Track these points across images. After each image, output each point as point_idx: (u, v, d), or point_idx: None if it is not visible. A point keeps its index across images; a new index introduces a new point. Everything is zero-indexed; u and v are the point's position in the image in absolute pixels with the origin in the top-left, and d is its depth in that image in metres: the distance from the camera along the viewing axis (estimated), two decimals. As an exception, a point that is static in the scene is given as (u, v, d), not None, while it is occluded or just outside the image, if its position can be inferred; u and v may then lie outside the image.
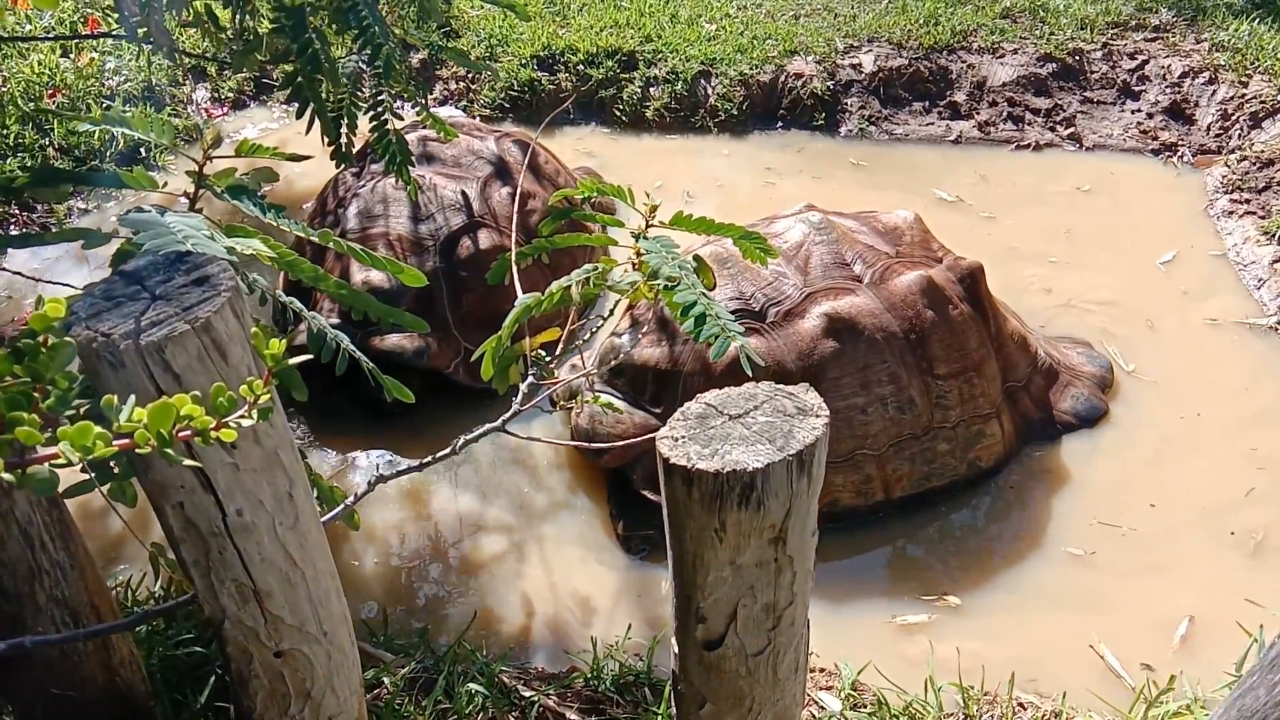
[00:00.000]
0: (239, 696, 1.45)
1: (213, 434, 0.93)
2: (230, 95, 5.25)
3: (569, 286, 1.93)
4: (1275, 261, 3.84)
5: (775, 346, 2.91)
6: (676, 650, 1.22)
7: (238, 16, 2.67)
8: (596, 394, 2.90)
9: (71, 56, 5.07)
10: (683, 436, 1.02)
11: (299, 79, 2.41)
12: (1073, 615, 2.63)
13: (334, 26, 2.42)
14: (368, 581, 2.82)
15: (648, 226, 2.04)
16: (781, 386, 1.09)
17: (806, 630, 1.22)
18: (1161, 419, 3.28)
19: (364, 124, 2.74)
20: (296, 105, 2.50)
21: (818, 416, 1.02)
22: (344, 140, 2.70)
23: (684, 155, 5.00)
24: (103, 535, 2.91)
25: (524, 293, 2.03)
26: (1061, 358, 3.43)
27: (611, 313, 2.14)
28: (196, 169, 1.83)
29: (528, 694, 2.31)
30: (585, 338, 2.07)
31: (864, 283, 3.04)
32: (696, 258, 1.87)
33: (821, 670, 2.50)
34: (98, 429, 0.85)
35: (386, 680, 2.25)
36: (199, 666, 2.19)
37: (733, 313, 2.97)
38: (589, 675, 2.36)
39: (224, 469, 1.18)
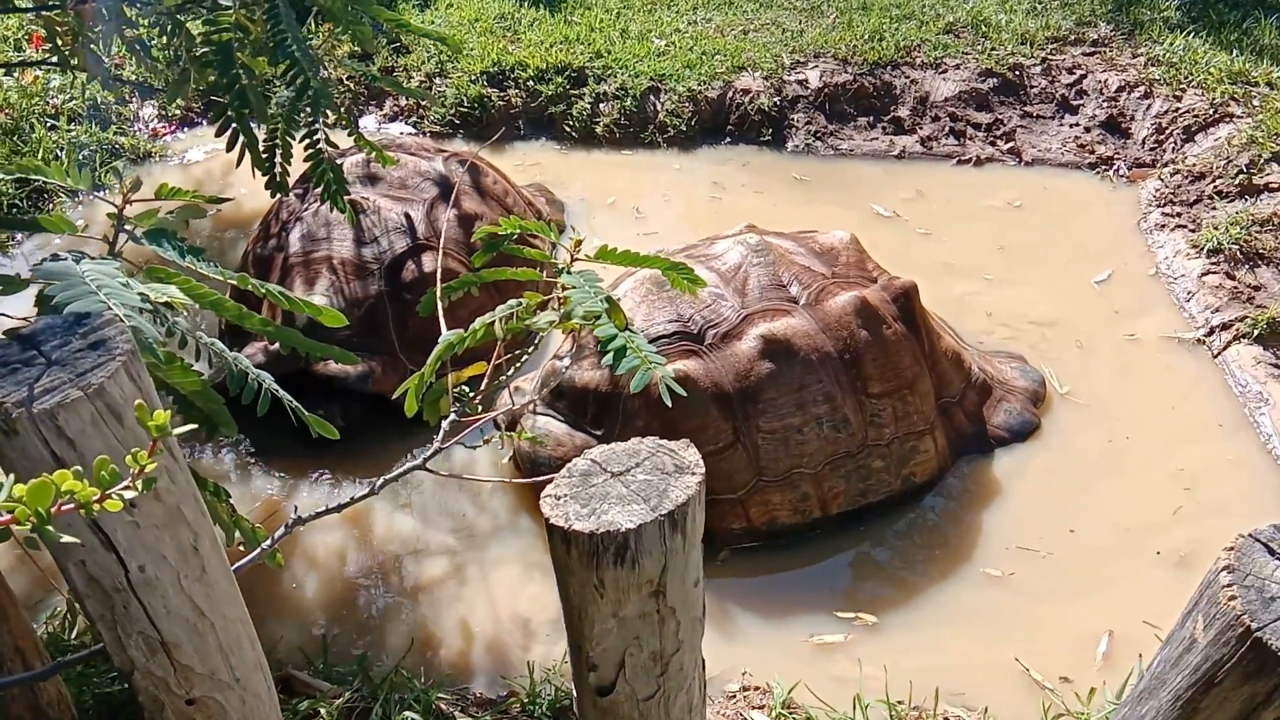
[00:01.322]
0: (154, 744, 1.47)
1: (96, 506, 0.95)
2: (178, 113, 5.22)
3: (492, 323, 1.96)
4: (1203, 274, 3.94)
5: (713, 368, 2.96)
6: (578, 701, 1.25)
7: (170, 48, 2.68)
8: (524, 431, 2.94)
9: (15, 75, 5.02)
10: (565, 495, 1.06)
11: (228, 112, 2.42)
12: (991, 634, 2.70)
13: (264, 60, 2.43)
14: (307, 607, 2.83)
15: (573, 261, 2.08)
16: (664, 443, 1.13)
17: (700, 670, 1.26)
18: (1091, 442, 3.35)
19: (302, 150, 2.76)
20: (228, 138, 2.51)
21: (693, 474, 1.06)
22: (278, 170, 2.71)
23: (634, 170, 5.05)
24: (33, 571, 2.89)
25: (473, 317, 2.06)
26: (995, 372, 3.51)
27: (536, 347, 2.17)
28: (116, 212, 1.84)
29: (464, 720, 2.34)
30: (510, 373, 2.10)
31: (800, 304, 3.09)
32: (609, 299, 1.90)
33: (756, 689, 2.55)
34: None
35: (323, 710, 2.26)
36: (133, 702, 2.20)
37: (671, 335, 3.02)
38: (525, 700, 2.39)
39: (124, 527, 1.20)
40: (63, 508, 0.94)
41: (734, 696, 2.48)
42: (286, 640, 2.69)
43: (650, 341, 2.99)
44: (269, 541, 1.80)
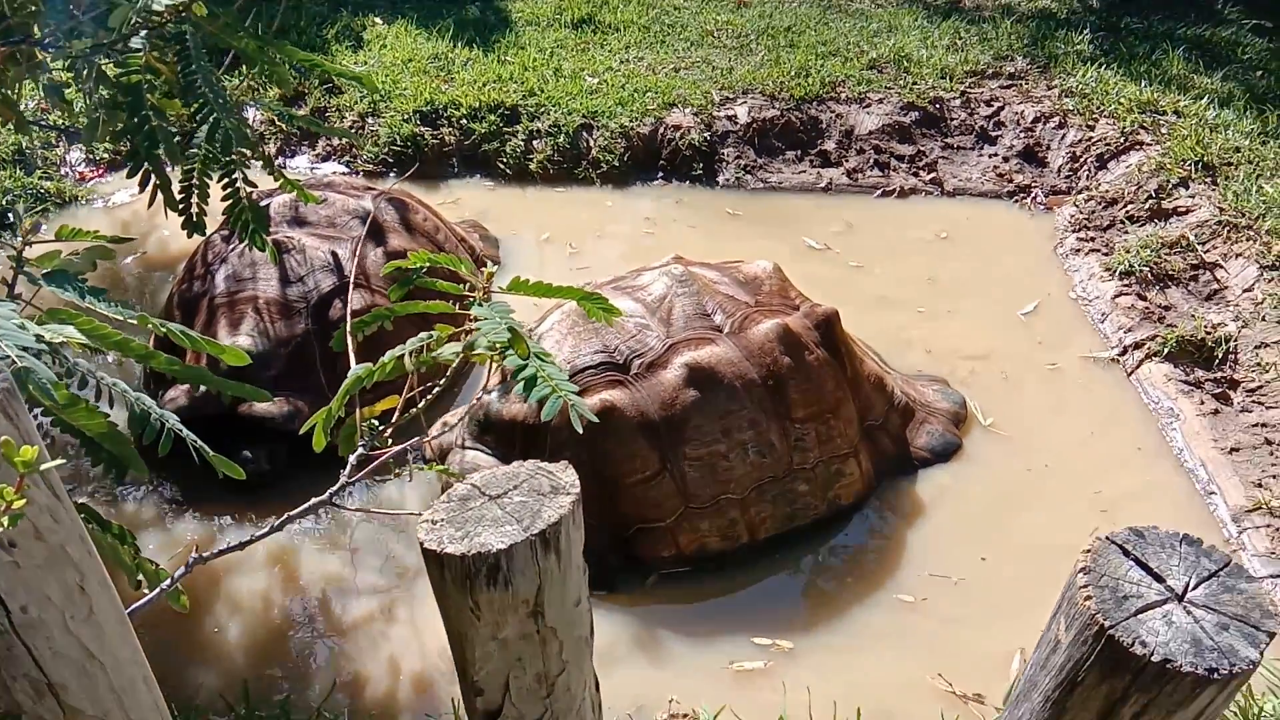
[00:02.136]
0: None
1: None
2: (105, 157, 5.17)
3: (402, 356, 1.97)
4: (1116, 296, 4.08)
5: (639, 397, 2.99)
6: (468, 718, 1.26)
7: (84, 92, 2.67)
8: (449, 467, 2.93)
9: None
10: (441, 520, 1.07)
11: (139, 153, 2.41)
12: (905, 657, 2.74)
13: (178, 102, 2.43)
14: (230, 652, 2.78)
15: (485, 293, 2.10)
16: (544, 465, 1.15)
17: (591, 693, 1.27)
18: (1010, 471, 3.41)
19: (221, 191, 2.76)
20: (140, 179, 2.51)
21: (568, 494, 1.08)
22: (194, 211, 2.70)
23: (568, 206, 5.09)
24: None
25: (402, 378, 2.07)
26: (918, 395, 3.59)
27: (446, 381, 2.18)
28: (16, 254, 1.82)
29: (388, 760, 2.31)
30: (420, 405, 2.10)
31: (724, 332, 3.14)
32: (511, 328, 1.93)
33: (684, 716, 2.55)
34: None
35: (240, 756, 2.22)
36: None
37: (598, 366, 3.05)
38: (450, 737, 2.37)
39: (4, 568, 1.19)
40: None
41: (662, 723, 2.48)
42: (207, 686, 2.64)
43: (577, 373, 3.02)
44: (168, 581, 1.77)
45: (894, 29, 6.18)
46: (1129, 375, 3.80)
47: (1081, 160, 5.05)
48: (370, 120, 5.41)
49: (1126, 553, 1.16)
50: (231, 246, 3.68)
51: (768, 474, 3.05)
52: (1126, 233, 4.45)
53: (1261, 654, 1.06)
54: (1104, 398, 3.73)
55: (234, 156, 2.59)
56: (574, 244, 4.76)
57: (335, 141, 5.40)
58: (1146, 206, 4.51)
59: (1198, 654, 1.05)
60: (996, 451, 3.51)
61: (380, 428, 1.98)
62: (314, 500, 1.87)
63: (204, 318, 3.53)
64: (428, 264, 2.07)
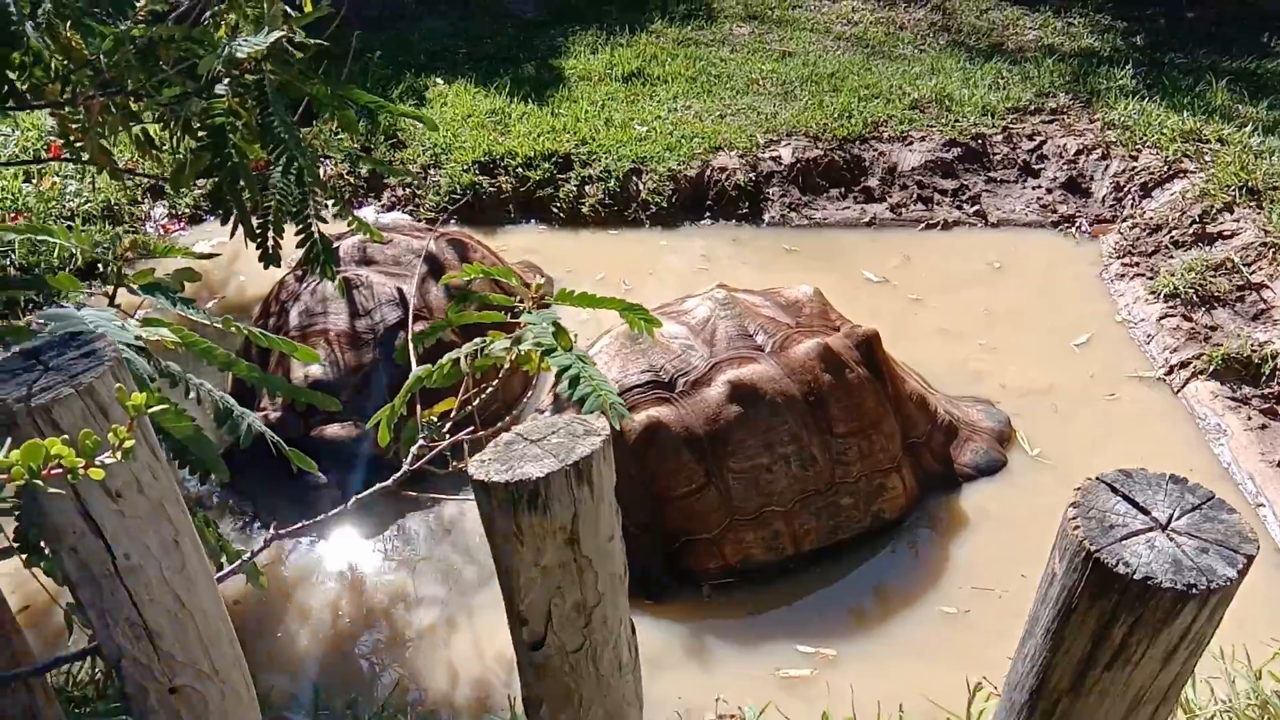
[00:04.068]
0: (141, 735, 1.59)
1: (81, 472, 1.11)
2: (186, 211, 5.53)
3: (459, 359, 2.14)
4: (1161, 318, 4.11)
5: (684, 414, 3.12)
6: (517, 660, 1.39)
7: (173, 140, 2.94)
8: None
9: (34, 181, 5.36)
10: (489, 459, 1.22)
11: (222, 189, 2.65)
12: (949, 666, 2.76)
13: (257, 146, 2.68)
14: (300, 657, 2.94)
15: (534, 304, 2.27)
16: (579, 418, 1.29)
17: (627, 632, 1.39)
18: (1055, 493, 3.39)
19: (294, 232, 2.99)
20: (222, 213, 2.75)
21: (599, 436, 1.22)
22: (270, 244, 2.93)
23: (620, 246, 5.29)
24: (43, 627, 3.02)
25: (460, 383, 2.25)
26: (962, 415, 3.65)
27: (498, 381, 2.34)
28: (116, 269, 2.04)
29: (447, 752, 2.43)
30: (474, 405, 2.26)
31: (765, 351, 3.26)
32: (555, 324, 2.09)
33: (731, 716, 2.63)
34: (-21, 464, 1.05)
35: (307, 739, 2.36)
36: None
37: (644, 385, 3.19)
38: (506, 730, 2.49)
39: (111, 516, 1.36)
40: (51, 471, 1.10)
41: (709, 722, 2.56)
42: (279, 688, 2.79)
43: (624, 391, 3.17)
44: (248, 555, 1.94)
45: (936, 71, 6.33)
46: (1176, 394, 3.82)
47: (1125, 189, 5.10)
48: (432, 171, 5.70)
49: (1115, 490, 1.26)
50: (304, 285, 3.93)
51: (810, 487, 3.14)
52: (1171, 257, 4.48)
53: (1239, 573, 1.14)
54: (1151, 416, 3.74)
55: (306, 192, 2.82)
56: (627, 281, 4.93)
57: (399, 192, 5.69)
58: (1191, 231, 4.55)
59: (1177, 572, 1.14)
60: (1042, 474, 3.54)
61: (438, 423, 2.14)
62: (378, 485, 2.03)
63: (278, 352, 3.76)
64: (481, 274, 2.25)
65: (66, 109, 2.86)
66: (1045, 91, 5.97)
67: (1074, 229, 5.03)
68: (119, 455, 1.15)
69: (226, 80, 2.63)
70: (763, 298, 3.55)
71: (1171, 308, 4.14)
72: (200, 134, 2.60)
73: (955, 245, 5.00)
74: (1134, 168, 5.15)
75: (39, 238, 2.12)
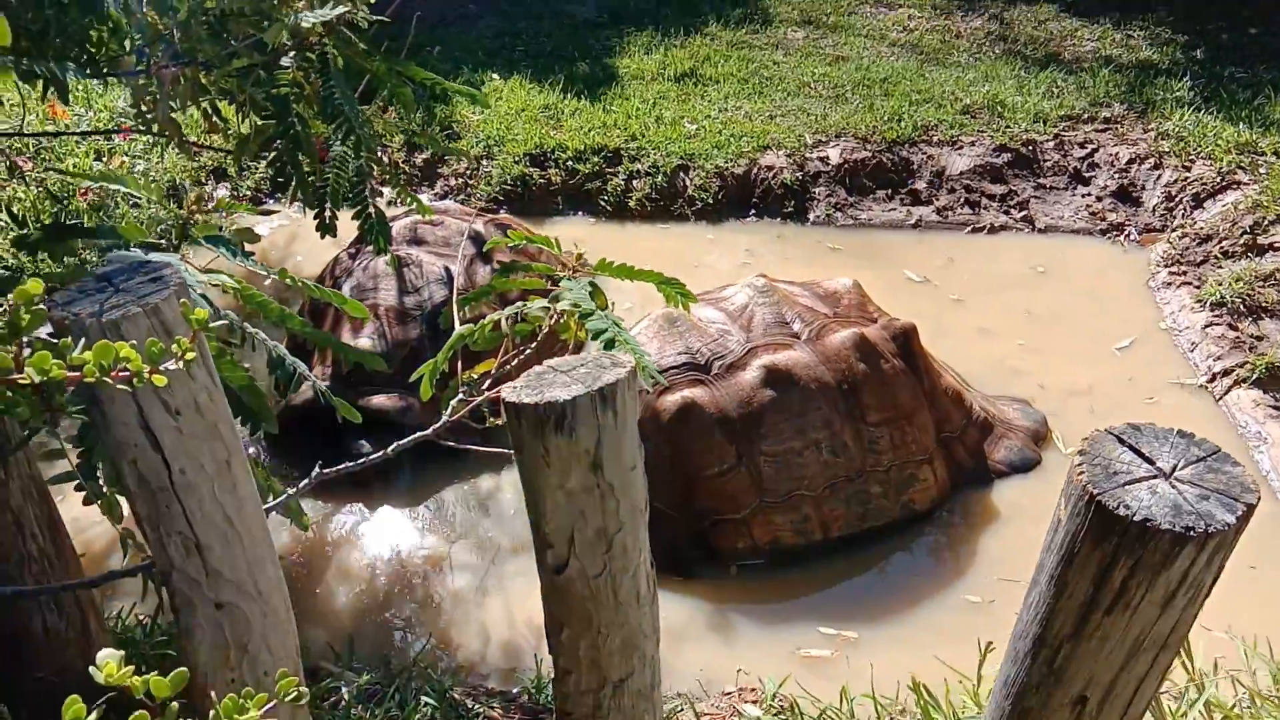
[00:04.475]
0: (186, 650, 1.69)
1: (147, 376, 1.21)
2: (249, 192, 5.72)
3: (499, 322, 2.23)
4: (1207, 326, 4.07)
5: (718, 395, 3.17)
6: (541, 584, 1.46)
7: (239, 115, 3.07)
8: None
9: (104, 160, 5.58)
10: (522, 387, 1.29)
11: (284, 158, 2.77)
12: (968, 650, 2.78)
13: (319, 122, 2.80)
14: (337, 613, 3.04)
15: (574, 271, 2.35)
16: (607, 353, 1.36)
17: (646, 566, 1.45)
18: None
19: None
20: (282, 180, 2.86)
21: (624, 368, 1.29)
22: (328, 215, 3.05)
23: (665, 240, 5.37)
24: (92, 559, 3.16)
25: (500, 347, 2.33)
26: (997, 412, 3.66)
27: (537, 344, 2.41)
28: (181, 222, 2.16)
29: (475, 707, 2.51)
30: (512, 366, 2.34)
31: (801, 339, 3.31)
32: (592, 283, 2.16)
33: (751, 690, 2.67)
34: (55, 360, 1.14)
35: (344, 689, 2.46)
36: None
37: (680, 366, 3.26)
38: (531, 689, 2.56)
39: (169, 432, 1.46)
40: (119, 373, 1.20)
41: (729, 694, 2.61)
42: (316, 640, 2.90)
43: (661, 372, 3.23)
44: (294, 490, 2.04)
45: (990, 78, 6.32)
46: (1217, 401, 3.79)
47: (1176, 199, 5.06)
48: (484, 163, 5.83)
49: (1122, 441, 1.29)
50: (357, 261, 4.06)
51: (841, 473, 3.18)
52: (1220, 267, 4.44)
53: (1238, 520, 1.17)
54: (1190, 422, 3.70)
55: (364, 165, 2.93)
56: (672, 274, 4.99)
57: (451, 182, 5.83)
58: (1241, 242, 4.50)
59: (1176, 516, 1.17)
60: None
61: (478, 380, 2.23)
62: (418, 434, 2.12)
63: (330, 322, 3.90)
64: (525, 240, 2.33)
65: (141, 79, 3.01)
66: (1100, 101, 5.93)
67: (1123, 237, 5.00)
68: (181, 364, 1.24)
69: (292, 54, 2.76)
70: (802, 288, 3.60)
71: (1218, 316, 4.11)
72: (265, 105, 2.72)
73: (1000, 249, 5.00)
74: (1186, 178, 5.11)
75: (111, 186, 2.24)
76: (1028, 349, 4.19)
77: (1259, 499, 1.20)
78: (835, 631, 2.92)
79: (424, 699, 2.48)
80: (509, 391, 1.27)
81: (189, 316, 1.27)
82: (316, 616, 3.03)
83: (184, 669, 1.01)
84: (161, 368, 1.24)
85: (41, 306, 1.25)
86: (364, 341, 3.74)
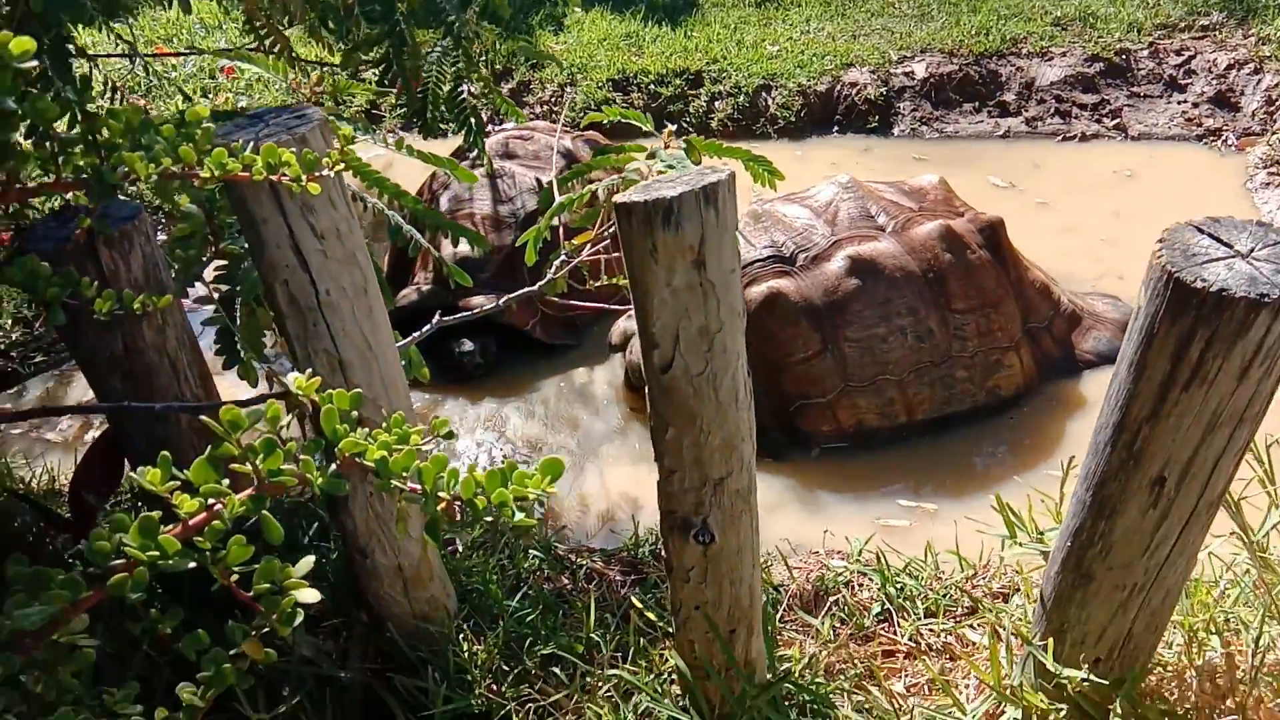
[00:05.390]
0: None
1: (305, 180, 1.37)
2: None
3: (596, 193, 2.36)
4: (1307, 221, 3.99)
5: (803, 285, 3.27)
6: (647, 387, 1.59)
7: (344, 31, 3.25)
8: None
9: (210, 97, 5.87)
10: (630, 193, 1.42)
11: (389, 56, 2.94)
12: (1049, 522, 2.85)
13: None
14: (447, 487, 3.26)
15: (666, 146, 2.46)
16: (706, 166, 1.48)
17: (743, 371, 1.57)
18: None
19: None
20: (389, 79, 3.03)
21: (725, 172, 1.41)
22: (429, 115, 3.22)
23: (747, 160, 5.42)
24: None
25: (593, 257, 2.48)
26: (1085, 305, 3.67)
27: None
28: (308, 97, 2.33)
29: (578, 560, 2.69)
30: (608, 236, 2.47)
31: (886, 231, 3.37)
32: (688, 143, 2.27)
33: (839, 552, 2.80)
34: (227, 159, 1.31)
35: (459, 540, 2.66)
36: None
37: (766, 259, 3.35)
38: (630, 546, 2.73)
39: (315, 255, 1.64)
40: (283, 176, 1.36)
41: (816, 553, 2.74)
42: (429, 512, 3.11)
43: (747, 265, 3.34)
44: (415, 335, 2.22)
45: (1080, -10, 6.17)
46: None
47: (1277, 103, 4.91)
48: (568, 89, 5.95)
49: (1200, 230, 1.36)
50: (453, 177, 4.23)
51: (926, 358, 3.25)
52: (1323, 165, 4.32)
53: (1313, 289, 1.23)
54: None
55: (464, 63, 3.08)
56: (755, 189, 5.06)
57: (538, 109, 5.97)
58: (1347, 139, 4.36)
59: (1252, 286, 1.24)
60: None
61: (576, 247, 2.37)
62: (524, 290, 2.27)
63: (429, 234, 4.09)
64: (620, 117, 2.46)
65: (255, -8, 3.20)
66: (1197, 9, 5.75)
67: (1219, 142, 4.88)
68: (331, 172, 1.40)
69: (395, -43, 2.91)
70: (887, 186, 3.65)
71: (1319, 213, 4.01)
72: (370, 9, 2.89)
73: (1090, 156, 4.94)
74: (1290, 80, 4.94)
75: (243, 66, 2.42)
76: (1110, 244, 4.17)
77: (1334, 272, 1.26)
78: (915, 504, 3.01)
79: (531, 552, 2.66)
80: (621, 198, 1.40)
81: (337, 130, 1.43)
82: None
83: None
84: (317, 174, 1.40)
85: (210, 125, 1.42)
86: (463, 248, 3.92)
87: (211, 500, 0.98)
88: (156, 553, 0.92)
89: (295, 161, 1.37)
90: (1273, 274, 1.26)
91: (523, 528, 2.23)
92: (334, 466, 1.05)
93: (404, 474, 1.06)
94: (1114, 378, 1.47)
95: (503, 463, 1.10)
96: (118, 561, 0.92)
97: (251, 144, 1.53)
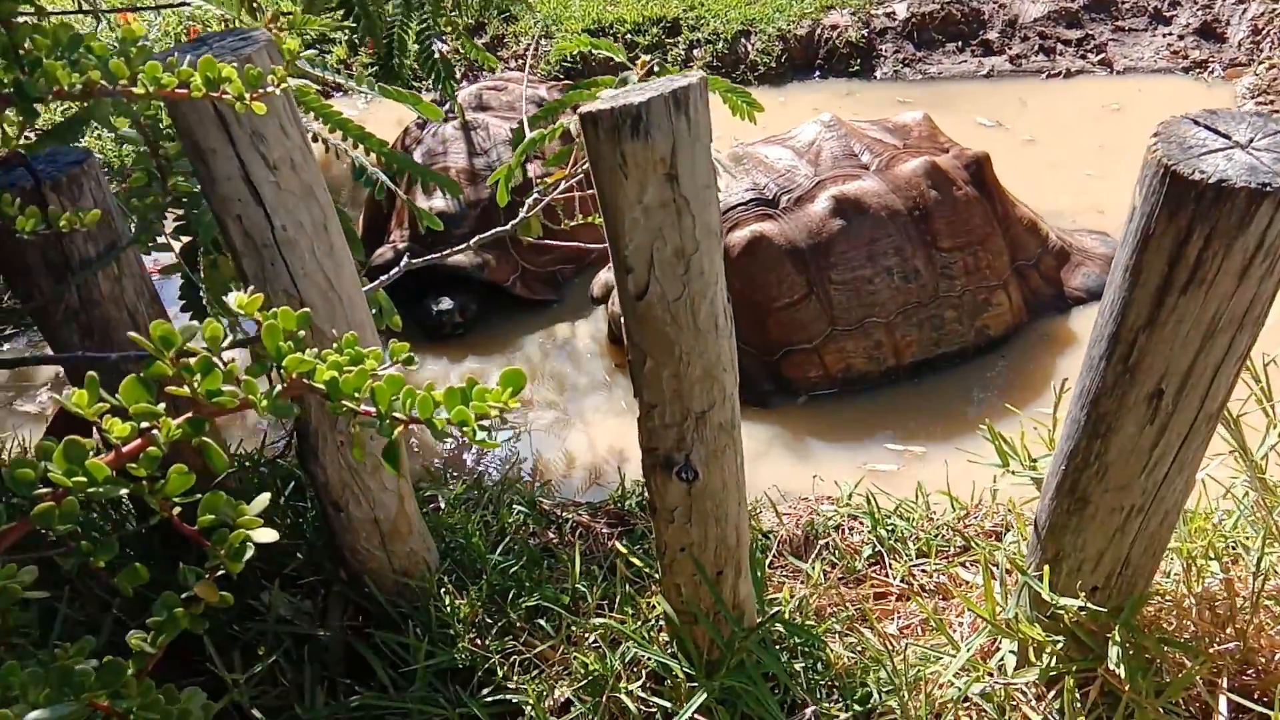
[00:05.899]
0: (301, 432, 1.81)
1: (249, 100, 1.29)
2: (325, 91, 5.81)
3: (569, 126, 2.27)
4: (1297, 149, 3.92)
5: (787, 228, 3.19)
6: (623, 317, 1.52)
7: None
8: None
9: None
10: (598, 102, 1.34)
11: (352, 6, 2.83)
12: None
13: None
14: (428, 447, 3.19)
15: (641, 77, 2.37)
16: (676, 76, 1.40)
17: (723, 296, 1.50)
18: None
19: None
20: (353, 24, 2.93)
21: (695, 78, 1.33)
22: (394, 61, 3.11)
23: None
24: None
25: (566, 195, 2.39)
26: (1074, 242, 3.60)
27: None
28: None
29: (564, 514, 2.63)
30: (578, 176, 2.39)
31: (870, 170, 3.29)
32: (661, 66, 2.18)
33: (830, 498, 2.75)
34: (162, 73, 1.23)
35: (440, 497, 2.60)
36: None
37: (748, 202, 3.27)
38: (616, 498, 2.67)
39: (269, 187, 1.55)
40: (224, 93, 1.28)
41: (805, 499, 2.69)
42: (411, 468, 3.04)
43: (728, 209, 3.26)
44: (383, 278, 2.14)
45: (1063, -75, 6.04)
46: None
47: (1264, 32, 4.82)
48: (544, 42, 5.82)
49: (1197, 122, 1.29)
50: (426, 130, 4.13)
51: (913, 299, 3.18)
52: (1312, 93, 4.25)
53: (1316, 174, 1.17)
54: None
55: (427, 12, 2.97)
56: (737, 136, 4.96)
57: (511, 64, 5.84)
58: (1336, 66, 4.29)
59: (1252, 175, 1.17)
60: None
61: (550, 184, 2.29)
62: (497, 229, 2.20)
63: (404, 185, 3.99)
64: (590, 47, 2.36)
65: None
66: (1182, -60, 5.63)
67: (1206, 74, 4.80)
68: (277, 89, 1.31)
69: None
70: (870, 123, 3.56)
71: (1309, 141, 3.94)
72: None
73: (1076, 92, 4.85)
74: (1274, 9, 4.85)
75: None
76: (1097, 178, 4.11)
77: (1339, 160, 1.19)
78: (902, 447, 2.96)
79: (515, 507, 2.60)
80: (588, 108, 1.32)
81: (281, 47, 1.34)
82: (409, 451, 3.18)
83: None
84: (262, 91, 1.31)
85: (146, 43, 1.33)
86: (437, 202, 3.82)
87: (145, 424, 0.91)
88: (84, 479, 0.85)
89: (236, 77, 1.28)
90: (1273, 163, 1.19)
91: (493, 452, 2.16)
92: (279, 388, 0.98)
93: (356, 395, 0.99)
94: (1108, 285, 1.40)
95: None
96: (43, 490, 0.85)
97: (189, 60, 1.44)
